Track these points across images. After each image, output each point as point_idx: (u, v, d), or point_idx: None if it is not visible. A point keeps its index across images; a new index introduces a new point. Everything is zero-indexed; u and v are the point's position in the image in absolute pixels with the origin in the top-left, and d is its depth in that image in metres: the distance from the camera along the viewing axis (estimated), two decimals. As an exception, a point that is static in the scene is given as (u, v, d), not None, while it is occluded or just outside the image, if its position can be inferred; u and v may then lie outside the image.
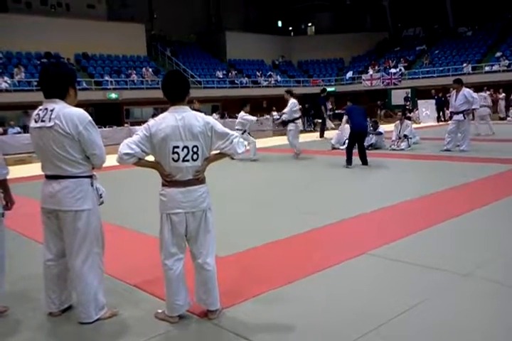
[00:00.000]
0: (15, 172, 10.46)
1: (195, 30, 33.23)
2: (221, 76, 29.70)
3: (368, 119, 13.99)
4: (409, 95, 25.53)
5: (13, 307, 3.22)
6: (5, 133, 17.99)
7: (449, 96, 12.44)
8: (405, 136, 11.83)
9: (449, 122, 11.75)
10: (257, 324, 2.90)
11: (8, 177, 3.17)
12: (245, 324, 2.90)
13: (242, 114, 11.04)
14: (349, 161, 9.26)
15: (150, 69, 26.68)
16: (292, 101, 10.99)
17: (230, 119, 22.64)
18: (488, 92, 22.14)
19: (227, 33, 32.72)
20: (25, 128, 19.55)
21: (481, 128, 14.46)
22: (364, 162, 9.33)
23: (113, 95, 23.78)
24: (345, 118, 9.91)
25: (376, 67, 32.01)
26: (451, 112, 11.84)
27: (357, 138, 9.37)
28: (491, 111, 16.61)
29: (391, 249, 4.22)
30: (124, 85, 24.78)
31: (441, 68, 28.70)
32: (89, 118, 2.93)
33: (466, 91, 10.68)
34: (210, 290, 2.94)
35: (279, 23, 39.75)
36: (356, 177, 8.40)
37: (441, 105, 21.39)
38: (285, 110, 11.04)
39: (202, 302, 2.99)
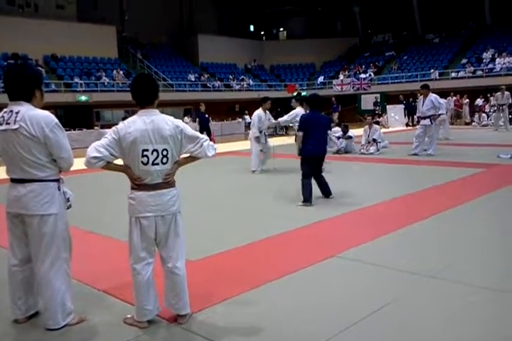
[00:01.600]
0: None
1: (167, 33, 33.00)
2: (193, 79, 29.59)
3: (336, 124, 14.04)
4: (379, 100, 25.99)
5: (-24, 314, 3.13)
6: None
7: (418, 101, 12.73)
8: (374, 140, 12.03)
9: (417, 127, 12.03)
10: (226, 327, 2.90)
11: None
12: (215, 328, 2.90)
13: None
14: (308, 197, 6.39)
15: (121, 72, 26.35)
16: (298, 110, 9.02)
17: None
18: (455, 98, 22.81)
19: (199, 35, 32.65)
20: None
21: (440, 133, 14.80)
22: (326, 193, 6.74)
23: (83, 97, 23.38)
24: (300, 134, 6.43)
25: (346, 72, 32.50)
26: (418, 117, 12.12)
27: (315, 164, 6.58)
28: (450, 116, 17.09)
29: (360, 251, 4.28)
30: (94, 88, 24.41)
31: (409, 74, 29.33)
32: (56, 120, 2.88)
33: (432, 96, 10.97)
34: (179, 295, 2.93)
35: (251, 27, 39.95)
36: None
37: (411, 110, 21.86)
38: (281, 119, 9.82)
39: (171, 307, 2.97)
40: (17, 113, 2.82)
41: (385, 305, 3.12)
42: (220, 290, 3.48)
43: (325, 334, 2.74)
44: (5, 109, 2.90)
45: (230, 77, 31.70)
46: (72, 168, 3.02)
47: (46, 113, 2.87)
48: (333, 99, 25.94)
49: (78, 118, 23.38)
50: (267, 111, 9.75)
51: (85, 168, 2.93)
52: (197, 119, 15.17)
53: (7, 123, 2.82)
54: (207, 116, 14.66)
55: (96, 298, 3.42)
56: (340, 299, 3.28)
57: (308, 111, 6.92)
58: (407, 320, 2.93)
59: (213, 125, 23.33)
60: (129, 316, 2.99)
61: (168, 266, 2.92)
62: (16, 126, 2.78)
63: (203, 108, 14.25)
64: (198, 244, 4.33)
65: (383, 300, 3.19)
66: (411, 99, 22.22)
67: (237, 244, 4.58)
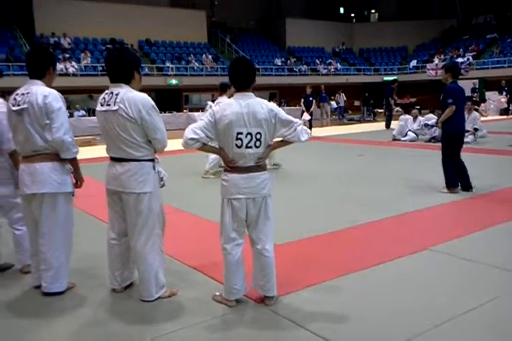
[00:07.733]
0: (80, 153, 10.96)
1: (255, 17, 33.05)
2: (280, 63, 29.49)
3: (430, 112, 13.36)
4: (477, 86, 24.31)
5: (78, 282, 3.37)
6: (71, 115, 18.79)
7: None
8: (476, 130, 11.30)
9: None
10: (312, 312, 2.88)
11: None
12: (301, 312, 2.89)
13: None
14: (453, 181, 5.96)
15: (210, 56, 26.89)
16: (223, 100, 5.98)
17: (288, 107, 22.57)
18: None
19: (287, 19, 32.29)
20: (90, 112, 20.33)
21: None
22: (467, 185, 6.02)
23: (173, 81, 24.22)
24: (449, 109, 5.73)
25: (442, 56, 30.64)
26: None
27: (459, 143, 5.94)
28: None
29: (456, 245, 4.05)
30: (184, 72, 25.16)
31: (513, 58, 27.10)
32: (152, 103, 2.97)
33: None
34: (267, 277, 2.95)
35: (341, 10, 38.81)
36: (416, 169, 8.12)
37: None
38: None
39: (259, 288, 3.01)
40: (117, 95, 2.94)
41: (480, 306, 2.92)
42: (305, 275, 3.46)
43: (408, 333, 2.61)
44: (106, 91, 3.04)
45: (317, 61, 31.18)
46: (165, 149, 3.11)
47: (144, 95, 2.97)
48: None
49: (168, 101, 24.24)
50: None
51: (178, 148, 3.00)
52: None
53: (107, 105, 2.96)
54: (311, 99, 14.67)
55: (186, 273, 3.55)
56: (430, 295, 3.11)
57: (452, 82, 6.09)
58: (506, 320, 2.72)
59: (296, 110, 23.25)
60: (217, 294, 3.07)
61: (257, 247, 2.94)
62: (116, 108, 2.90)
63: (308, 90, 14.33)
64: (285, 228, 4.32)
65: (477, 300, 2.99)
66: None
67: (325, 231, 4.52)
